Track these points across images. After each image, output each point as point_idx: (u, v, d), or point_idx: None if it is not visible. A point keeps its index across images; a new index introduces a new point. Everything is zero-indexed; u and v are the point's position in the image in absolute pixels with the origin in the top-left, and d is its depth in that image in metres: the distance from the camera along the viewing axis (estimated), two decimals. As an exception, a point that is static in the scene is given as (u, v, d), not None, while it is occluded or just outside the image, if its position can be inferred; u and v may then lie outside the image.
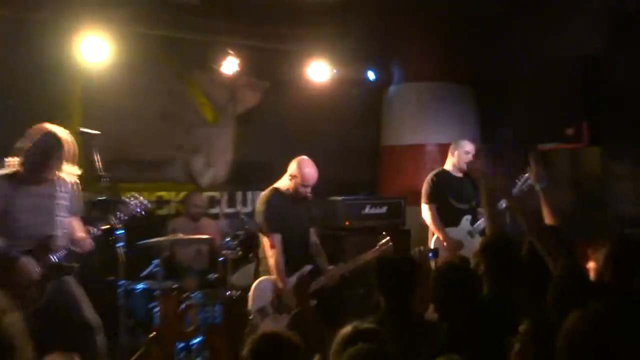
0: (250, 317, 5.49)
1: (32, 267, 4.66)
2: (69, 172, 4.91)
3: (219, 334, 5.80)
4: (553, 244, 4.00)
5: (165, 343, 2.17)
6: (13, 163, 4.78)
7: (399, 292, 3.69)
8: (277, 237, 5.62)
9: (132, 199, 5.14)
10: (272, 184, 5.95)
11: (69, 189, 4.91)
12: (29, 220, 4.74)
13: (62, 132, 4.83)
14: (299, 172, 5.70)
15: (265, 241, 5.70)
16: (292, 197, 5.76)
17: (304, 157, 5.82)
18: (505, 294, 3.68)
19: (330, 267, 5.78)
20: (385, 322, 3.40)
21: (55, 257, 4.77)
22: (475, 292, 3.36)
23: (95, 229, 4.92)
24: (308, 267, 5.69)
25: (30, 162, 4.74)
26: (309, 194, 5.77)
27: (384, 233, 5.95)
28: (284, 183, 5.81)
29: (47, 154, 4.74)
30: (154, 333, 2.20)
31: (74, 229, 4.94)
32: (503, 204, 6.53)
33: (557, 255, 3.78)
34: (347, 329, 2.79)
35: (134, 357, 5.14)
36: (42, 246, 4.74)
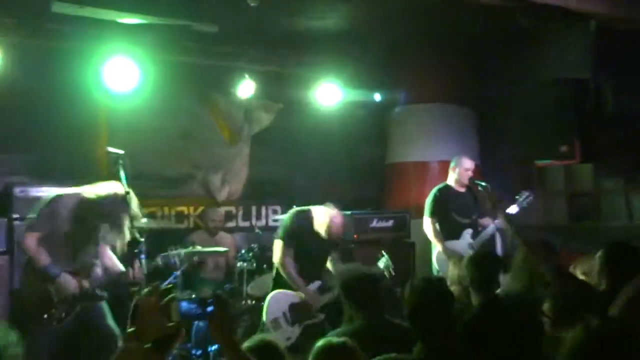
0: (264, 327, 5.52)
1: (70, 284, 4.74)
2: None
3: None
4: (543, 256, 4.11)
5: (144, 339, 2.07)
6: None
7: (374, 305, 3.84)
8: (289, 251, 5.66)
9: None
10: (285, 199, 5.97)
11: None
12: (76, 246, 4.84)
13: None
14: (331, 223, 5.67)
15: (275, 247, 5.74)
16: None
17: (336, 212, 5.75)
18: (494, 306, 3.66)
19: None
20: (361, 332, 3.49)
21: (90, 283, 4.85)
22: (449, 308, 3.27)
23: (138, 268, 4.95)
24: (317, 283, 5.73)
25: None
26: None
27: (382, 252, 5.95)
28: (317, 216, 5.75)
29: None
30: (132, 329, 2.15)
31: (109, 257, 5.04)
32: (498, 224, 6.57)
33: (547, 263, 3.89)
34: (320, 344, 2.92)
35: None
36: (81, 270, 4.84)
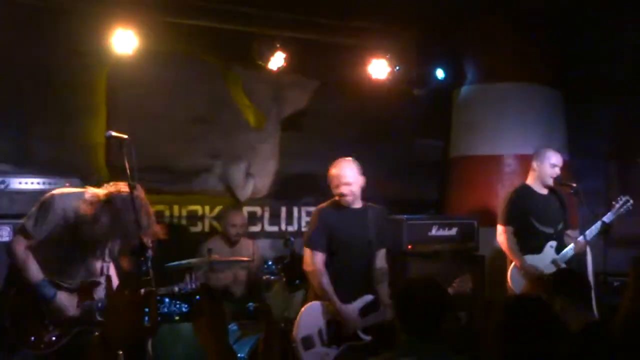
0: (293, 345, 5.44)
1: (68, 305, 4.70)
2: None
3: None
4: None
5: (114, 345, 1.87)
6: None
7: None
8: (319, 256, 5.63)
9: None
10: (322, 199, 5.93)
11: None
12: (81, 259, 4.82)
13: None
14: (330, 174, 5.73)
15: (306, 256, 5.74)
16: (349, 210, 5.73)
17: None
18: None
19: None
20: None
21: (91, 305, 4.78)
22: (552, 333, 3.14)
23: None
24: (368, 297, 5.61)
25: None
26: (346, 196, 5.70)
27: (468, 275, 5.85)
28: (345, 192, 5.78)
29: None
30: (97, 334, 1.98)
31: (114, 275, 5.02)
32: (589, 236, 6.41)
33: None
34: None
35: None
36: (82, 289, 4.78)
